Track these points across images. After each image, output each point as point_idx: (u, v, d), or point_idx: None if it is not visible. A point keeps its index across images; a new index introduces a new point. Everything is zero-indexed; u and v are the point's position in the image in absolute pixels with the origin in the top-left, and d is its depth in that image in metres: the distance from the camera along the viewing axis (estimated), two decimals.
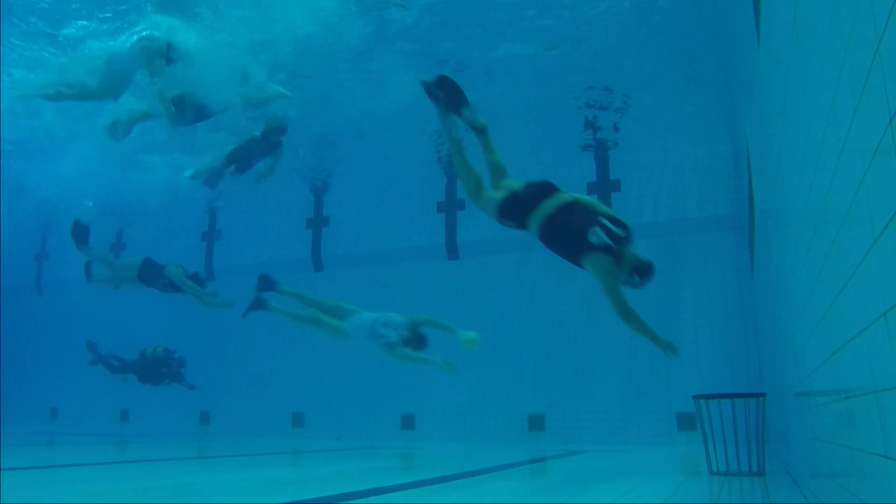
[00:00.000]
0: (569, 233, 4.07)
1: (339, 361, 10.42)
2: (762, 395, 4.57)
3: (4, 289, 13.20)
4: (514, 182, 4.51)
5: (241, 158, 8.00)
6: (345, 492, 3.55)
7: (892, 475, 1.26)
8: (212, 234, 12.44)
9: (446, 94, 4.59)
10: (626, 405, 8.68)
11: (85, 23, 8.40)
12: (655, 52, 8.23)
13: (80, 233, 8.25)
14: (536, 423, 9.08)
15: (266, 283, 7.57)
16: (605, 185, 9.66)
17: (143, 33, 7.29)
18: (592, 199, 4.34)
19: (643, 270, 3.96)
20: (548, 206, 4.17)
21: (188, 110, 7.51)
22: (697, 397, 4.77)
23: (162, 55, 7.06)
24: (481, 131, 4.57)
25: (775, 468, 4.79)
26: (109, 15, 8.25)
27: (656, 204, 9.30)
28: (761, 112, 3.93)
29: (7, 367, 12.46)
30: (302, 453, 7.56)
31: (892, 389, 1.20)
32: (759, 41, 3.49)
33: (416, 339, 6.63)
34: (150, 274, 8.11)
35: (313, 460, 6.74)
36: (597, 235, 3.91)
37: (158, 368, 9.85)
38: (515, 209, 4.30)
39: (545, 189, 4.27)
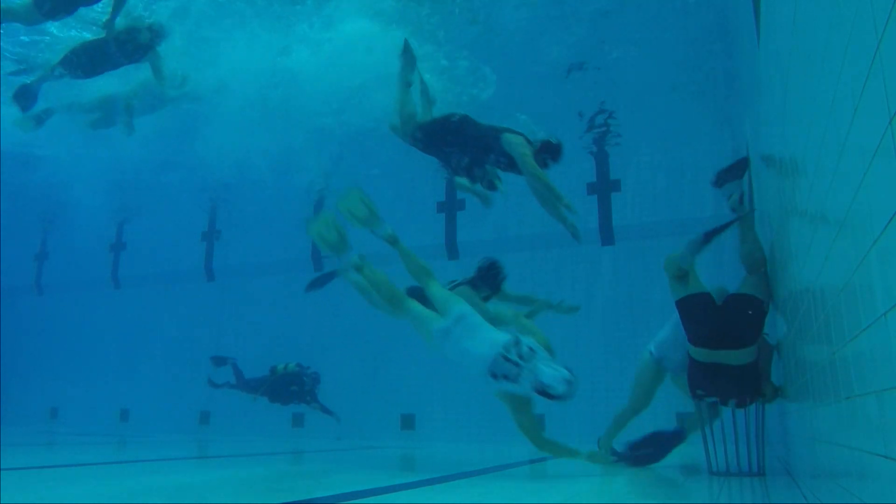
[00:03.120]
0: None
1: (339, 361, 10.41)
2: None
3: (4, 289, 13.20)
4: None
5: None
6: (345, 492, 3.55)
7: (892, 475, 1.26)
8: (212, 234, 12.42)
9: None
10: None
11: None
12: (655, 52, 8.22)
13: None
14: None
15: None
16: (605, 186, 9.65)
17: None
18: None
19: None
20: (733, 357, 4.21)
21: None
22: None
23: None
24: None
25: (775, 468, 4.79)
26: None
27: (656, 204, 9.29)
28: (761, 112, 3.93)
29: (7, 367, 12.45)
30: (302, 453, 7.56)
31: (892, 389, 1.20)
32: (759, 41, 3.49)
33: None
34: None
35: (313, 460, 6.74)
36: None
37: (288, 386, 9.26)
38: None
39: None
